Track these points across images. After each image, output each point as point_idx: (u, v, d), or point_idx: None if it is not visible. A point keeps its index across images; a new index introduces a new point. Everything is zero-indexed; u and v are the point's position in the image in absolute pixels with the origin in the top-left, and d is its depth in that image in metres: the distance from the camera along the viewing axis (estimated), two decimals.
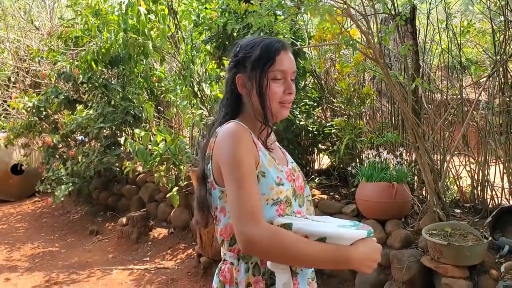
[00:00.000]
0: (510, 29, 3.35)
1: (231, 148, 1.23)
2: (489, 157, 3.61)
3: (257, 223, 1.15)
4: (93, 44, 5.59)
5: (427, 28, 4.12)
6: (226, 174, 1.22)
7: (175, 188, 4.56)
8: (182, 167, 4.71)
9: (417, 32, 4.13)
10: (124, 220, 5.48)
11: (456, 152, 3.68)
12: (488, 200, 3.61)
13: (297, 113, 4.28)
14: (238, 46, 1.38)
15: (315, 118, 4.75)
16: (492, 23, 3.46)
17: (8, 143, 6.68)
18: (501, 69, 3.46)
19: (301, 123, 4.34)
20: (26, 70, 8.25)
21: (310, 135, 4.66)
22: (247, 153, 1.23)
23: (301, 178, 1.45)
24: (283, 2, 2.90)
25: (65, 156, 6.28)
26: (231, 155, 1.22)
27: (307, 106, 4.54)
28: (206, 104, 4.94)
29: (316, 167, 5.26)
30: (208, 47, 4.71)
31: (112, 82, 6.11)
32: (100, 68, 5.63)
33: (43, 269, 4.76)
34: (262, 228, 1.15)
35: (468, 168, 3.73)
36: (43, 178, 6.31)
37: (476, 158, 3.63)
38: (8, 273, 4.65)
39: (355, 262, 1.19)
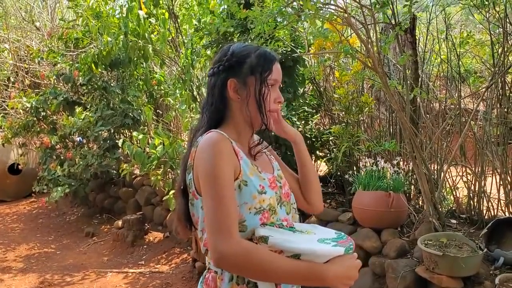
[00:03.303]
0: (509, 41, 3.36)
1: (210, 160, 1.21)
2: (486, 168, 3.62)
3: (230, 239, 1.15)
4: (94, 46, 5.60)
5: (427, 38, 4.14)
6: (203, 186, 1.21)
7: (172, 191, 4.56)
8: (179, 171, 4.71)
9: (417, 42, 4.14)
10: (120, 223, 5.48)
11: (453, 163, 3.69)
12: (484, 211, 3.61)
13: (296, 119, 4.28)
14: (229, 51, 1.35)
15: (313, 125, 4.76)
16: (491, 35, 3.48)
17: (5, 141, 6.67)
18: (499, 81, 3.47)
19: (299, 129, 4.34)
20: (26, 70, 8.25)
21: (308, 141, 4.66)
22: (226, 165, 1.22)
23: (288, 185, 1.45)
24: (283, 9, 2.91)
25: (62, 157, 6.27)
26: (209, 167, 1.21)
27: (305, 113, 4.55)
28: None
29: None
30: (208, 52, 4.72)
31: (112, 85, 6.12)
32: (100, 70, 5.64)
33: (38, 271, 4.75)
34: (234, 244, 1.14)
35: (464, 179, 3.73)
36: (39, 178, 6.31)
37: (473, 169, 3.64)
38: (1, 274, 4.64)
39: (329, 280, 1.17)
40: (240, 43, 1.40)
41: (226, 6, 4.34)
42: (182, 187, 1.36)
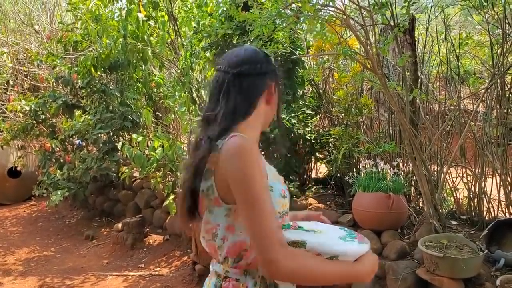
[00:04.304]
0: (508, 42, 3.36)
1: (248, 167, 1.17)
2: (486, 169, 3.61)
3: (281, 247, 1.13)
4: (93, 49, 5.60)
5: (426, 39, 4.14)
6: (242, 195, 1.17)
7: (172, 196, 4.55)
8: (179, 173, 4.70)
9: (416, 43, 4.14)
10: (119, 225, 5.46)
11: (453, 164, 3.68)
12: (485, 213, 3.60)
13: (295, 121, 4.28)
14: (260, 54, 1.34)
15: (313, 126, 4.76)
16: (490, 35, 3.47)
17: (4, 144, 6.66)
18: (498, 82, 3.46)
19: (299, 131, 4.34)
20: (25, 73, 8.25)
21: (307, 143, 4.66)
22: (260, 171, 1.20)
23: None
24: (282, 11, 2.90)
25: (61, 160, 6.26)
26: (249, 175, 1.16)
27: (305, 115, 4.54)
28: None
29: (313, 175, 5.26)
30: (207, 54, 4.72)
31: (111, 87, 6.11)
32: (99, 73, 5.64)
33: (37, 274, 4.73)
34: (286, 253, 1.13)
35: (465, 180, 3.73)
36: (38, 182, 6.30)
37: (473, 170, 3.63)
38: (1, 277, 4.63)
39: (362, 276, 1.25)
40: (253, 47, 1.41)
41: (225, 8, 4.34)
42: (191, 190, 1.27)
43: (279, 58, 4.07)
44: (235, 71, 1.29)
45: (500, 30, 3.37)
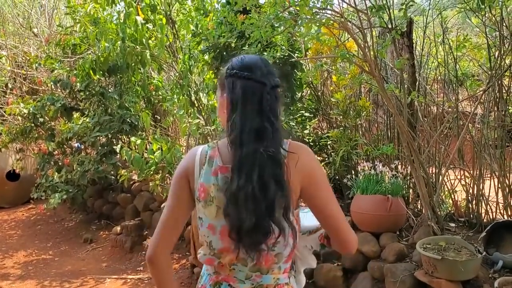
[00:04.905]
0: (505, 44, 3.37)
1: (321, 166, 1.35)
2: (484, 171, 3.62)
3: None
4: (91, 52, 5.60)
5: (424, 41, 4.15)
6: (326, 191, 1.32)
7: None
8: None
9: (414, 46, 4.15)
10: (118, 228, 5.46)
11: (451, 166, 3.68)
12: (483, 215, 3.60)
13: (293, 124, 4.29)
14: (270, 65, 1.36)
15: (311, 129, 4.76)
16: (488, 38, 3.48)
17: (3, 146, 6.66)
18: (496, 84, 3.47)
19: (297, 134, 4.34)
20: (24, 76, 8.25)
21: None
22: None
23: None
24: (280, 14, 2.91)
25: (60, 163, 6.25)
26: (324, 172, 1.34)
27: (303, 117, 4.55)
28: (203, 114, 4.94)
29: None
30: (206, 57, 4.73)
31: (109, 90, 6.12)
32: (98, 76, 5.64)
33: (36, 277, 4.73)
34: None
35: (463, 182, 3.73)
36: (37, 185, 6.29)
37: (471, 172, 3.64)
38: (0, 281, 4.62)
39: None
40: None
41: (223, 18, 4.34)
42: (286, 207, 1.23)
43: (277, 61, 4.08)
44: (273, 83, 1.29)
45: (498, 32, 3.38)
